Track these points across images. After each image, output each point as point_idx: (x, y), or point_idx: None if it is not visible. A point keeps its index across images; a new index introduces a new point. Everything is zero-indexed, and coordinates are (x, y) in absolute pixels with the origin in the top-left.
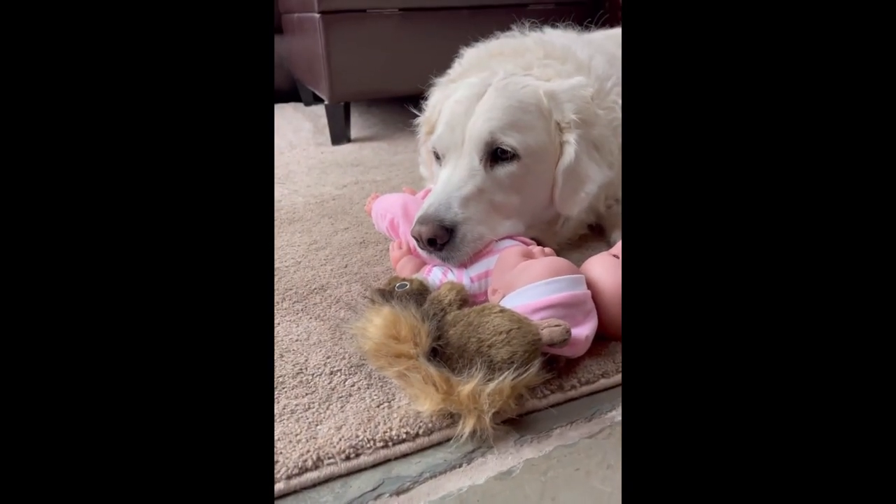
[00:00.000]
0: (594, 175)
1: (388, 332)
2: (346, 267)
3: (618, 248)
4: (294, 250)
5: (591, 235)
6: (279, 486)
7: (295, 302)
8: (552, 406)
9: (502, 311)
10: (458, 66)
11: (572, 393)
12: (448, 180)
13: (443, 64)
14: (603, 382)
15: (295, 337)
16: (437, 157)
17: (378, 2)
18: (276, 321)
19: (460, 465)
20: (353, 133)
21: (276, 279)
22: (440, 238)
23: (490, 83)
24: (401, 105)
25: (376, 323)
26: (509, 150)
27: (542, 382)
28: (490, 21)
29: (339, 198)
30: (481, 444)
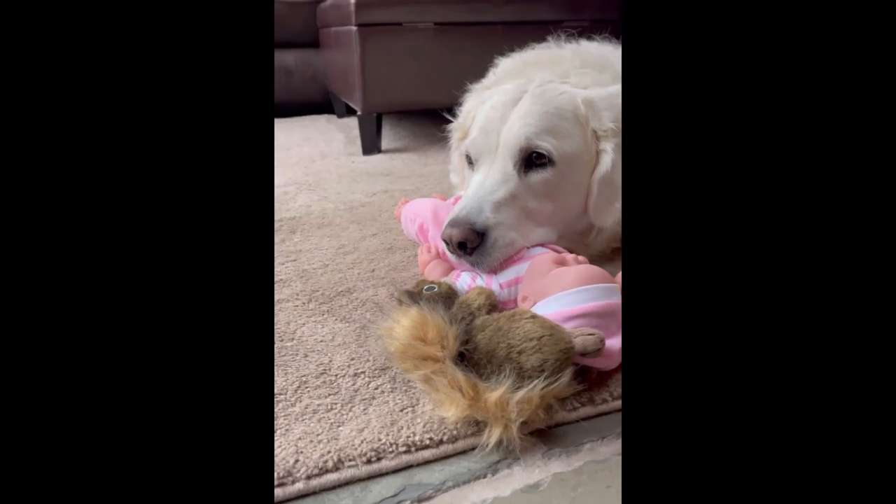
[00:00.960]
0: None
1: (416, 333)
2: (373, 271)
3: None
4: (322, 253)
5: None
6: (298, 486)
7: (321, 303)
8: (582, 419)
9: (534, 317)
10: (492, 75)
11: (604, 407)
12: (481, 185)
13: (475, 77)
14: None
15: (320, 338)
16: (470, 162)
17: (414, 16)
18: (301, 322)
19: (485, 476)
20: (385, 144)
21: (304, 281)
22: (471, 242)
23: (526, 89)
24: (432, 117)
25: (403, 324)
26: (545, 154)
27: (572, 394)
28: (525, 37)
29: (368, 205)
30: (507, 454)
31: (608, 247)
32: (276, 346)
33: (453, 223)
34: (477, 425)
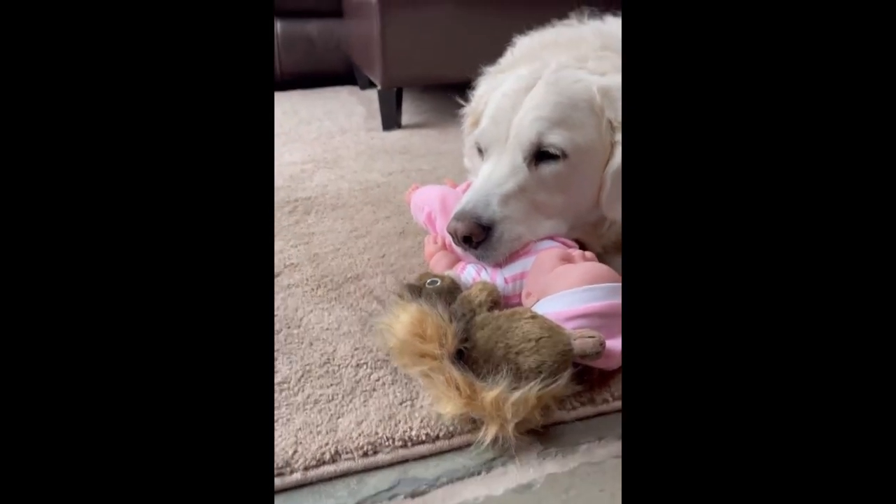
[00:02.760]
0: None
1: (414, 330)
2: (383, 257)
3: None
4: (335, 237)
5: None
6: (296, 476)
7: (330, 290)
8: (580, 419)
9: (534, 316)
10: (509, 55)
11: (604, 407)
12: (489, 177)
13: (498, 51)
14: None
15: (326, 326)
16: (480, 151)
17: None
18: (309, 308)
19: (479, 473)
20: (404, 119)
21: (314, 265)
22: (476, 236)
23: (540, 75)
24: (453, 92)
25: (402, 320)
26: (555, 150)
27: (570, 395)
28: (549, 8)
29: (383, 185)
30: (502, 453)
31: (621, 239)
32: (283, 333)
33: (459, 216)
34: (474, 423)
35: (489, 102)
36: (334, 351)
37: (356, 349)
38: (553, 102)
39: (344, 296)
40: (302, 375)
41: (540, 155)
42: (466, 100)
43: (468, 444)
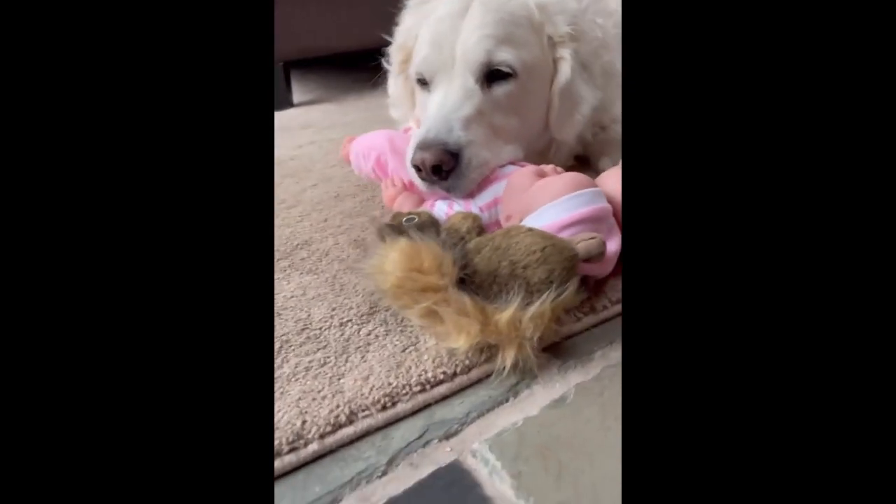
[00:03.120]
0: (587, 96)
1: (410, 265)
2: (325, 221)
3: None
4: None
5: (578, 165)
6: (313, 448)
7: (280, 259)
8: (586, 329)
9: (530, 230)
10: None
11: (605, 314)
12: (443, 103)
13: (389, 18)
14: None
15: (289, 294)
16: (422, 84)
17: None
18: None
19: (507, 400)
20: (295, 98)
21: None
22: (446, 164)
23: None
24: (340, 67)
25: (394, 258)
26: (505, 68)
27: (579, 303)
28: None
29: (297, 158)
30: (524, 375)
31: (566, 163)
32: None
33: (424, 145)
34: (487, 352)
35: (421, 33)
36: (308, 317)
37: (333, 309)
38: (494, 20)
39: (298, 262)
40: (280, 347)
41: (491, 76)
42: (374, 62)
43: (488, 375)
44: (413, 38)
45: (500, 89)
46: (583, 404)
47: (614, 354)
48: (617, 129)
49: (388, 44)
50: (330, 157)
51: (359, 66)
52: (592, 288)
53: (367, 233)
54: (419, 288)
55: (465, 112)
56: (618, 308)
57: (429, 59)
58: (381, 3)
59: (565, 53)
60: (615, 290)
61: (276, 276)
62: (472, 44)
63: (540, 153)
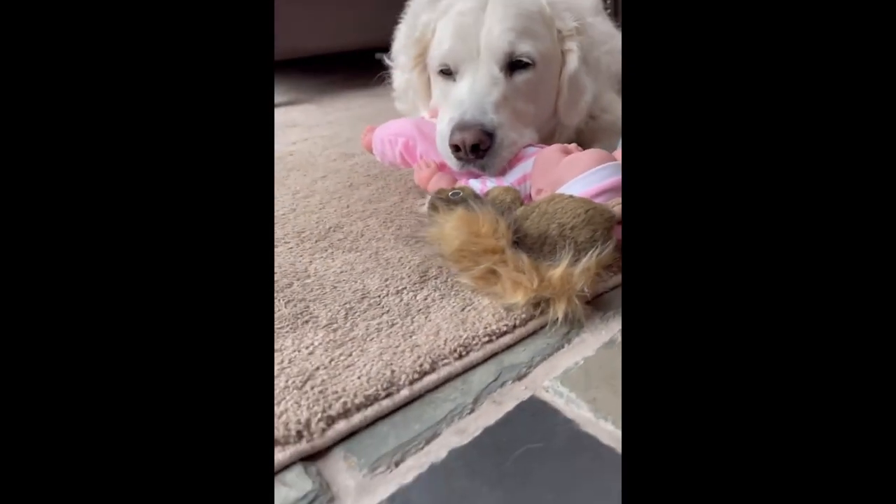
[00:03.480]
0: (589, 85)
1: (470, 229)
2: (347, 207)
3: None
4: (281, 201)
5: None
6: (405, 393)
7: (317, 241)
8: (614, 288)
9: (571, 197)
10: None
11: None
12: (472, 89)
13: (367, 17)
14: None
15: (339, 270)
16: (445, 74)
17: None
18: (307, 260)
19: (562, 346)
20: (274, 100)
21: (280, 226)
22: (483, 143)
23: None
24: (312, 71)
25: (453, 224)
26: (525, 59)
27: (615, 260)
28: None
29: (296, 153)
30: (574, 325)
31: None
32: (295, 285)
33: (462, 126)
34: (538, 308)
35: (440, 27)
36: (364, 287)
37: (386, 280)
38: (514, 14)
39: (336, 243)
40: (346, 314)
41: (512, 65)
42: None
43: (542, 327)
44: (430, 32)
45: (521, 77)
46: None
47: None
48: (606, 118)
49: (370, 45)
50: (328, 152)
51: (330, 68)
52: (620, 249)
53: (392, 215)
54: (480, 250)
55: (494, 97)
56: None
57: (454, 50)
58: (350, 7)
59: (573, 46)
60: None
61: (321, 256)
62: (495, 35)
63: (546, 137)
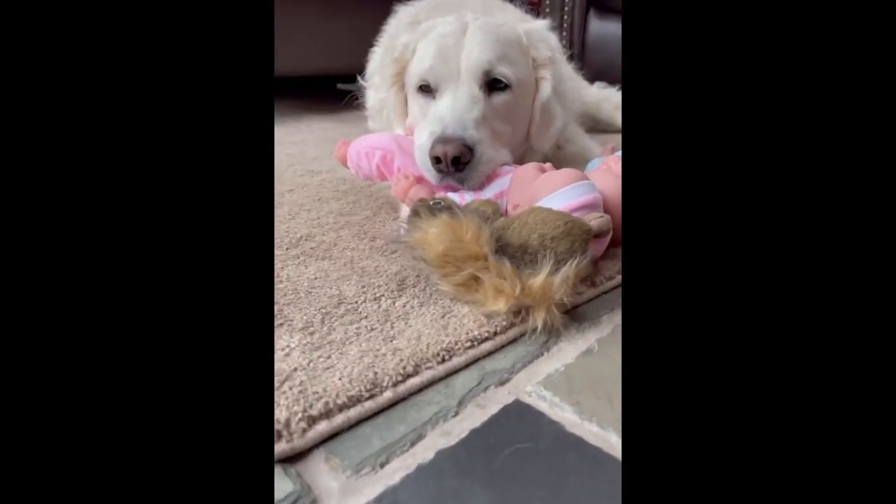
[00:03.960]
0: (559, 113)
1: (454, 235)
2: (318, 219)
3: (611, 161)
4: None
5: None
6: (388, 395)
7: (288, 248)
8: (590, 300)
9: (550, 210)
10: (394, 22)
11: (602, 287)
12: (453, 106)
13: (334, 45)
14: (619, 279)
15: (312, 276)
16: (425, 91)
17: None
18: (279, 266)
19: (542, 354)
20: None
21: None
22: (464, 156)
23: (466, 22)
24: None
25: (436, 231)
26: (503, 80)
27: (591, 273)
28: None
29: None
30: (550, 334)
31: None
32: None
33: (444, 140)
34: (517, 316)
35: (421, 48)
36: (341, 293)
37: (363, 287)
38: (493, 40)
39: (309, 251)
40: (322, 318)
41: (491, 84)
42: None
43: (521, 335)
44: (410, 52)
45: (498, 99)
46: (609, 352)
47: (618, 318)
48: (570, 149)
49: (334, 72)
50: (294, 168)
51: (295, 92)
52: (596, 262)
53: (365, 228)
54: (463, 256)
55: (474, 114)
56: (612, 283)
57: (436, 68)
58: (317, 33)
59: (546, 74)
60: (607, 268)
61: (295, 263)
62: (474, 57)
63: (519, 160)
